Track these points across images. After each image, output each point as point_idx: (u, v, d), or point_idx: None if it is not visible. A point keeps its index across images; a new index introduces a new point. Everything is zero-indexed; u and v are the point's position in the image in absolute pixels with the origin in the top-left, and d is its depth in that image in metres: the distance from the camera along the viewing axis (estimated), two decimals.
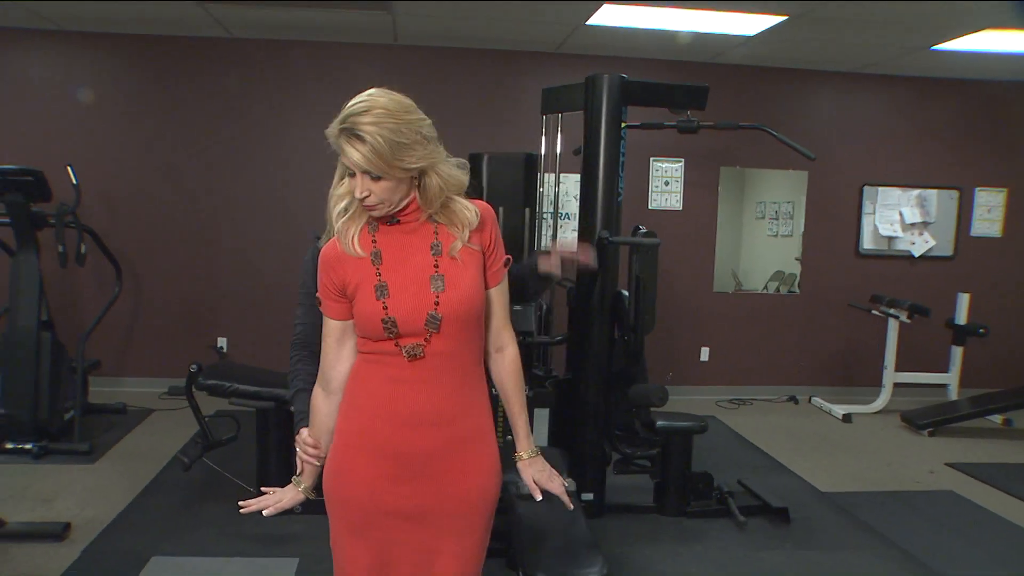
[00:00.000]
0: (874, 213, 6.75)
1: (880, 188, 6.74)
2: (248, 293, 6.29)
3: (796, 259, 6.81)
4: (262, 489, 1.94)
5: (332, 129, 1.66)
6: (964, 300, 6.19)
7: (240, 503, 1.90)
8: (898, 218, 6.76)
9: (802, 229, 6.76)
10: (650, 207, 6.52)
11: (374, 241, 1.77)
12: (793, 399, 6.77)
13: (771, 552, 3.77)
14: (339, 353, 1.84)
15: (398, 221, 1.77)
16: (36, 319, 4.78)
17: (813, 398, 6.71)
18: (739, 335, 6.80)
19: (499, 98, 6.26)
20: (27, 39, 6.00)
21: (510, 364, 1.94)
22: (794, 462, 5.11)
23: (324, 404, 1.87)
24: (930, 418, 5.85)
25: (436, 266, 1.75)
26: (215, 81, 6.15)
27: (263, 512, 1.88)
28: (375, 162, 1.62)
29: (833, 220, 6.76)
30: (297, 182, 6.03)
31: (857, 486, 4.72)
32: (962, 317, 6.19)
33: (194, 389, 4.07)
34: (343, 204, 1.76)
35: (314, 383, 1.98)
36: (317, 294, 1.85)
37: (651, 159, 6.47)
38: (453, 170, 1.75)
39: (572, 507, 2.02)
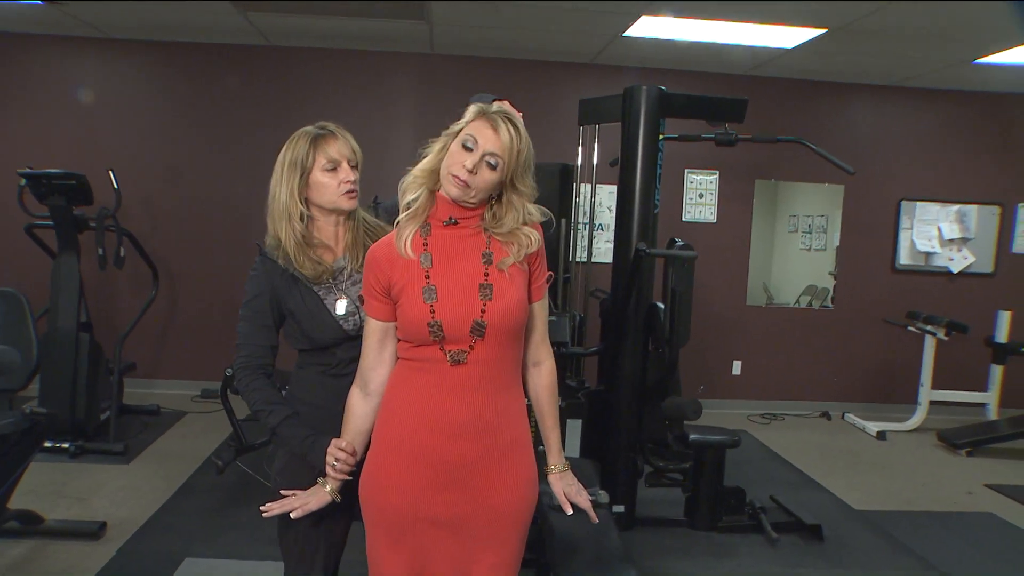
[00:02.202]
0: (911, 228, 6.66)
1: (918, 203, 6.64)
2: None
3: (830, 273, 6.73)
4: (282, 492, 1.92)
5: (477, 108, 1.73)
6: (1005, 318, 6.08)
7: (261, 507, 1.90)
8: (936, 234, 6.66)
9: (836, 243, 6.69)
10: (684, 219, 6.49)
11: (425, 244, 1.78)
12: (826, 415, 6.68)
13: (805, 570, 3.71)
14: (380, 355, 1.84)
15: (456, 222, 1.78)
16: (75, 320, 4.84)
17: (846, 414, 6.61)
18: (772, 349, 6.73)
19: (535, 108, 6.16)
20: (71, 45, 6.12)
21: (546, 378, 1.95)
22: (827, 479, 5.04)
23: (361, 405, 1.87)
24: (968, 437, 5.74)
25: (486, 274, 1.75)
26: (253, 88, 6.23)
27: (291, 514, 1.88)
28: (511, 152, 1.71)
29: (869, 235, 6.67)
30: None
31: (892, 505, 4.65)
32: (1002, 335, 6.08)
33: (229, 393, 4.10)
34: (411, 196, 1.77)
35: (290, 406, 1.98)
36: (360, 292, 1.85)
37: (686, 171, 6.44)
38: (533, 209, 1.81)
39: (597, 521, 2.01)
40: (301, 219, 1.99)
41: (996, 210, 6.69)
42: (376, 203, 2.17)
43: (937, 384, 6.18)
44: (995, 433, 5.78)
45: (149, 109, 6.21)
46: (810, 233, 6.73)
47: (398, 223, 1.80)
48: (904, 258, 6.70)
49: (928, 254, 6.69)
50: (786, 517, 4.19)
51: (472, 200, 1.75)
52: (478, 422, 1.76)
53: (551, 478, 1.98)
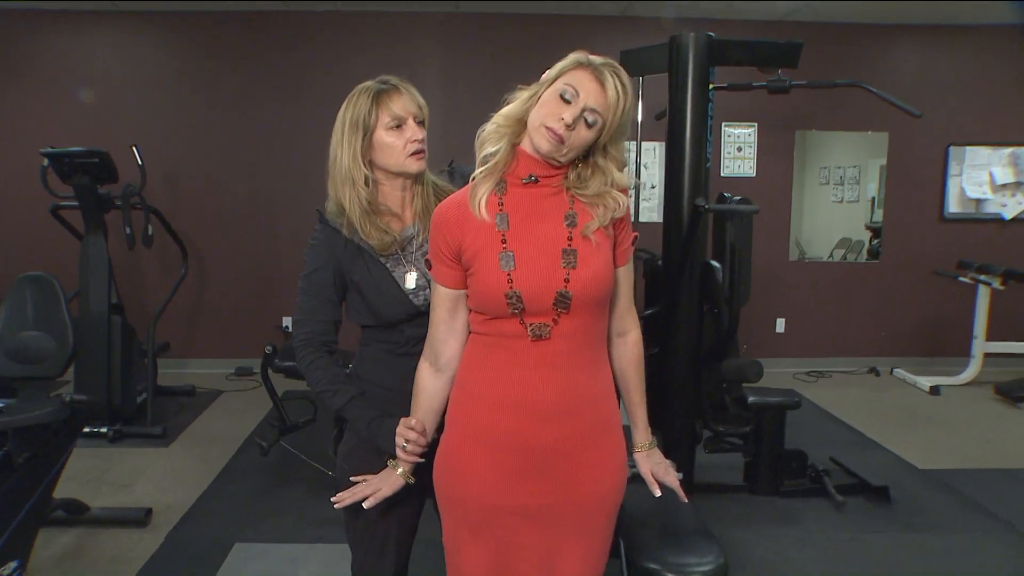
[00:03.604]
0: (961, 175, 6.39)
1: (967, 148, 6.36)
2: None
3: (866, 226, 6.50)
4: (351, 479, 1.78)
5: (580, 55, 1.54)
6: None
7: (332, 499, 1.76)
8: (987, 179, 6.38)
9: (869, 194, 6.46)
10: (722, 174, 6.26)
11: (501, 204, 1.59)
12: (874, 371, 6.49)
13: (876, 535, 3.55)
14: (451, 326, 1.67)
15: (536, 181, 1.59)
16: (107, 303, 4.74)
17: (895, 370, 6.42)
18: (816, 305, 6.54)
19: None
20: (88, 20, 5.96)
21: (633, 350, 1.78)
22: (884, 437, 4.86)
23: (432, 381, 1.71)
24: None
25: (570, 239, 1.57)
26: (272, 55, 6.05)
27: (364, 504, 1.73)
28: (614, 108, 1.52)
29: (916, 183, 6.42)
30: None
31: (957, 463, 4.46)
32: None
33: (270, 371, 3.97)
34: (491, 148, 1.58)
35: (356, 385, 1.83)
36: (427, 256, 1.69)
37: (723, 125, 6.20)
38: (619, 176, 1.62)
39: (686, 500, 1.86)
40: (366, 183, 1.80)
41: None
42: (451, 168, 1.99)
43: (991, 335, 5.96)
44: None
45: (165, 81, 6.06)
46: (842, 185, 6.50)
47: (473, 178, 1.62)
48: (953, 206, 6.44)
49: (979, 201, 6.43)
50: (849, 479, 4.04)
51: (562, 159, 1.56)
52: (563, 403, 1.59)
53: (638, 457, 1.84)
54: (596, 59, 1.54)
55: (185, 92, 6.06)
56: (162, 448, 4.59)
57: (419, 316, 1.79)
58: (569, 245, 1.57)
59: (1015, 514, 3.74)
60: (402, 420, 1.73)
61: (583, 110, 1.51)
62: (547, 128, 1.51)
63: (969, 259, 6.06)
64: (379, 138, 1.79)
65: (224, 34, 6.03)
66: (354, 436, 1.89)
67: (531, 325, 1.56)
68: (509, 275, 1.55)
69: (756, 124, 6.26)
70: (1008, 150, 6.35)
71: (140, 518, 3.56)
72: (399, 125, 1.78)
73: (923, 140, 6.33)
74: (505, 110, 1.58)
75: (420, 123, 1.81)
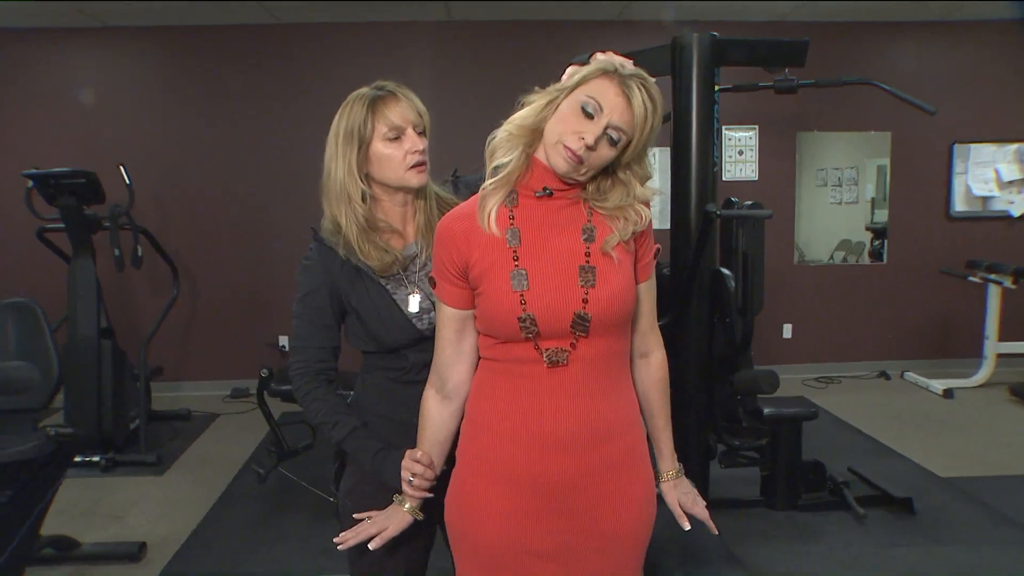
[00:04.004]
0: (966, 172, 6.28)
1: (972, 145, 6.25)
2: None
3: (866, 228, 6.39)
4: (355, 516, 1.64)
5: (606, 62, 1.38)
6: None
7: (335, 539, 1.62)
8: (993, 176, 6.27)
9: (869, 195, 6.35)
10: (724, 179, 6.13)
11: (511, 217, 1.45)
12: (884, 375, 6.35)
13: (902, 549, 3.41)
14: (458, 349, 1.54)
15: (551, 194, 1.45)
16: (96, 327, 4.58)
17: (906, 373, 6.28)
18: (823, 309, 6.40)
19: (562, 71, 5.89)
20: (71, 38, 5.83)
21: (656, 372, 1.64)
22: (901, 444, 4.72)
23: (439, 410, 1.57)
24: None
25: (587, 255, 1.43)
26: (264, 70, 5.92)
27: (369, 545, 1.59)
28: (641, 126, 1.38)
29: (920, 182, 6.30)
30: None
31: (979, 470, 4.32)
32: None
33: (266, 395, 3.83)
34: (504, 157, 1.44)
35: (357, 416, 1.70)
36: (431, 274, 1.55)
37: (723, 128, 6.07)
38: (642, 190, 1.48)
39: (716, 532, 1.71)
40: (363, 199, 1.65)
41: None
42: (456, 177, 1.85)
43: (1002, 336, 5.83)
44: None
45: (152, 98, 5.93)
46: (840, 186, 6.38)
47: (484, 189, 1.48)
48: (959, 204, 6.32)
49: (985, 198, 6.31)
50: (870, 490, 3.89)
51: (580, 178, 1.43)
52: (585, 433, 1.45)
53: (664, 486, 1.69)
54: (624, 68, 1.38)
55: (173, 108, 5.93)
56: (156, 476, 4.44)
57: (423, 341, 1.65)
58: (587, 261, 1.43)
59: None
60: (407, 452, 1.59)
61: (606, 127, 1.36)
62: (565, 147, 1.37)
63: (977, 258, 5.94)
64: (376, 150, 1.64)
65: (213, 49, 5.90)
66: (357, 470, 1.76)
67: (547, 350, 1.43)
68: (521, 296, 1.41)
69: (757, 127, 6.15)
70: (1014, 146, 6.23)
71: (134, 552, 3.40)
72: (397, 136, 1.64)
73: (927, 138, 6.21)
74: (519, 118, 1.43)
75: (420, 132, 1.67)
